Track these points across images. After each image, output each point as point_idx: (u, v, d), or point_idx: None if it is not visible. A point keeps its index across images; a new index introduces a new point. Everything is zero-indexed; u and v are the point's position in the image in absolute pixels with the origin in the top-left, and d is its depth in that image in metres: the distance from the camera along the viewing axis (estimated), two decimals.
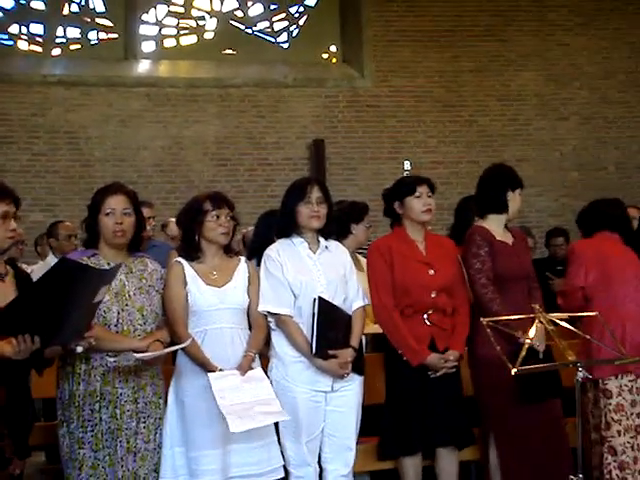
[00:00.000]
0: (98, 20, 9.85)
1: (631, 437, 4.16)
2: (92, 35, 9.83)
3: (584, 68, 10.47)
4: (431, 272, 4.02)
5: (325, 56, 10.54)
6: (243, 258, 3.86)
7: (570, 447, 4.03)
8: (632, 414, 4.17)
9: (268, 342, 3.82)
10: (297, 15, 10.44)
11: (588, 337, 3.58)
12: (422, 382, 3.95)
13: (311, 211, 3.77)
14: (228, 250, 3.79)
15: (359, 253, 4.97)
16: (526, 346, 2.97)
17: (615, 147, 10.43)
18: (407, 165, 8.65)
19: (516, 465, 3.99)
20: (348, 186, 9.54)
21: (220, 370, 3.52)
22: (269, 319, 3.76)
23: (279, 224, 3.92)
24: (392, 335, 3.97)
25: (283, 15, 10.40)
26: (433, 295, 3.99)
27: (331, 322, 3.65)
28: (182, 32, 10.15)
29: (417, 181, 4.11)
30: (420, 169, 9.53)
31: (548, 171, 10.11)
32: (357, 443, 3.88)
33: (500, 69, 10.25)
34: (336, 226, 4.21)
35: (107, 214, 3.49)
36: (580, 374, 3.03)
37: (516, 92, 10.28)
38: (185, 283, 3.63)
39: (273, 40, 10.38)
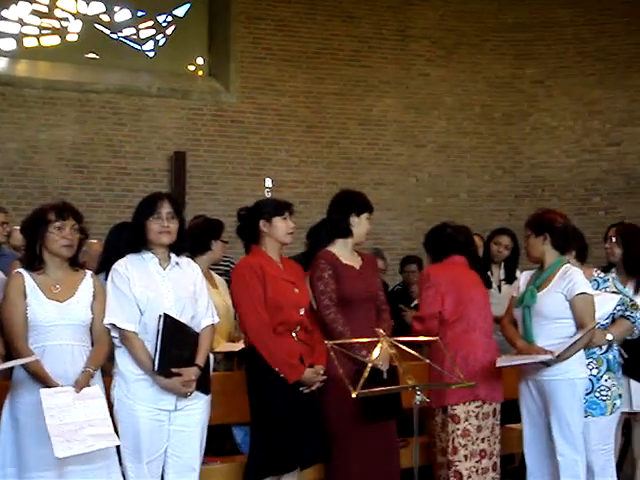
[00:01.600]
0: None
1: (476, 461, 4.31)
2: None
3: (443, 98, 10.87)
4: (296, 290, 4.08)
5: (191, 68, 10.46)
6: (89, 272, 3.75)
7: (400, 469, 4.16)
8: (477, 439, 4.32)
9: (113, 359, 3.73)
10: (165, 24, 10.31)
11: (427, 361, 3.69)
12: (293, 400, 3.94)
13: (160, 226, 3.71)
14: (75, 263, 3.68)
15: (213, 270, 4.95)
16: (368, 368, 3.02)
17: (468, 176, 10.87)
18: (268, 182, 8.71)
19: None
20: (208, 200, 9.49)
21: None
22: (113, 335, 3.66)
23: (129, 238, 3.84)
24: (269, 353, 3.94)
25: (150, 23, 10.25)
26: (301, 312, 4.06)
27: (176, 340, 3.60)
28: (44, 32, 9.81)
29: (286, 204, 4.16)
30: (281, 187, 9.62)
31: (404, 195, 10.42)
32: (202, 463, 3.84)
33: (362, 94, 10.48)
34: (193, 242, 4.19)
35: None
36: (418, 397, 3.10)
37: (377, 117, 10.54)
38: (25, 295, 3.49)
39: (139, 47, 10.21)
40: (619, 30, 10.95)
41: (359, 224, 4.25)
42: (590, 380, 4.36)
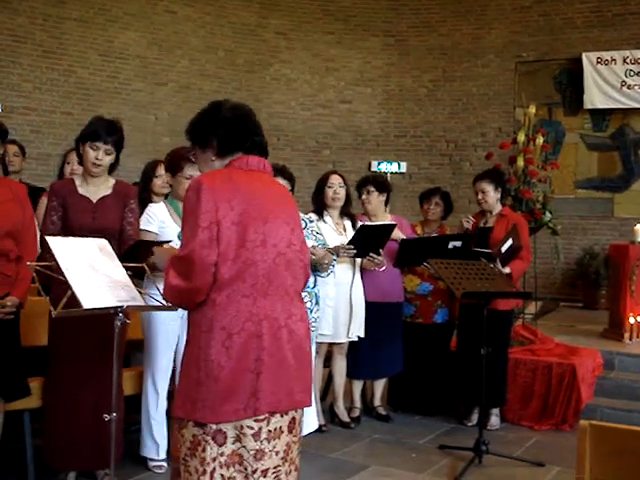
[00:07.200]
0: None
1: None
2: None
3: (187, 39, 10.86)
4: None
5: None
6: None
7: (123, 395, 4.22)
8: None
9: None
10: None
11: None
12: None
13: None
14: None
15: None
16: (69, 292, 3.03)
17: None
18: None
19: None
20: None
21: None
22: None
23: None
24: None
25: None
26: None
27: None
28: None
29: None
30: (12, 114, 9.20)
31: (141, 132, 10.32)
32: None
33: (105, 24, 10.19)
34: None
35: None
36: (119, 318, 3.18)
37: (119, 50, 10.32)
38: None
39: None
40: None
41: (84, 153, 4.06)
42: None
